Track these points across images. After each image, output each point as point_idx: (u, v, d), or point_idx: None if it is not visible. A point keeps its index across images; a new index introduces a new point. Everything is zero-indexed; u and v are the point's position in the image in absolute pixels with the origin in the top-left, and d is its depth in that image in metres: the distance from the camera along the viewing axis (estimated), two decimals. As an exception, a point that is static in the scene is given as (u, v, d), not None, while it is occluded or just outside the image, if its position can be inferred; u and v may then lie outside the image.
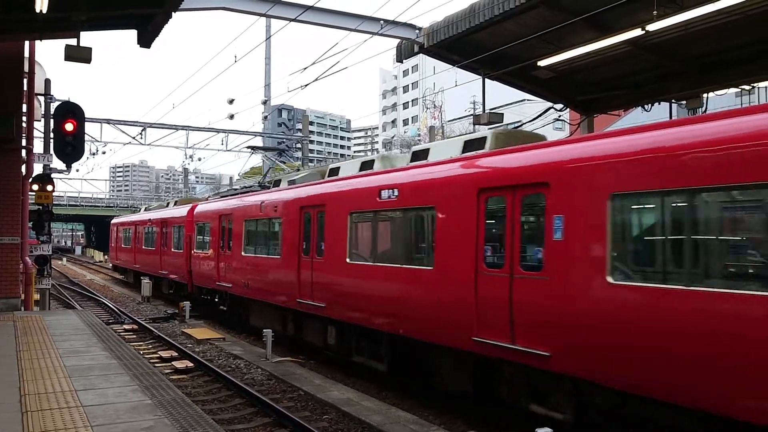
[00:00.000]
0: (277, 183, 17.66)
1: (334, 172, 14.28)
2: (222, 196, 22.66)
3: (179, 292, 24.65)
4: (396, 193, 11.04)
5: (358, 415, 9.70)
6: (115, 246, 37.98)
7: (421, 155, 11.49)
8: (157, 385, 8.16)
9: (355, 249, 12.43)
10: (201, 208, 22.61)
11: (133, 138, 33.35)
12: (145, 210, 34.27)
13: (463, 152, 10.33)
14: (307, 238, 14.04)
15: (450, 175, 10.02)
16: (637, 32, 11.82)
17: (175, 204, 28.42)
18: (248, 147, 20.91)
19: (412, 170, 11.12)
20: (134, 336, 17.74)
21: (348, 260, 12.26)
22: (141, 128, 33.46)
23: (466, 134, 10.68)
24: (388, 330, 11.16)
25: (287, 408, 10.25)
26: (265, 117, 36.29)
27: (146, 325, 19.13)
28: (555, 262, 7.85)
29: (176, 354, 14.70)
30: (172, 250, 25.22)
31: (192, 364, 13.59)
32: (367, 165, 13.09)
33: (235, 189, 23.63)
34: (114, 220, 39.63)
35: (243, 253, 17.57)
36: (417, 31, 15.49)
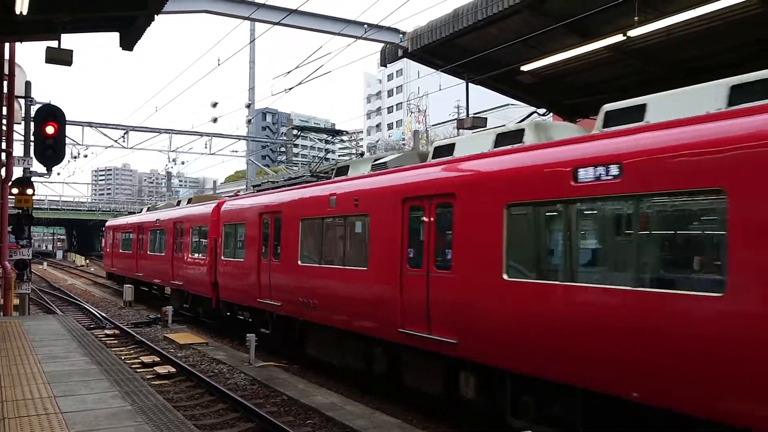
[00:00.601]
0: (342, 170, 13.57)
1: (445, 150, 10.45)
2: (260, 190, 18.20)
3: (197, 308, 20.90)
4: (616, 171, 7.01)
5: (342, 420, 9.68)
6: (110, 252, 33.43)
7: (628, 115, 7.60)
8: (138, 390, 8.06)
9: (519, 260, 8.45)
10: (232, 204, 18.40)
11: (116, 141, 33.11)
12: (149, 210, 30.11)
13: (730, 104, 6.63)
14: (414, 243, 10.23)
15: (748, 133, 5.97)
16: (619, 38, 11.93)
17: (188, 202, 24.44)
18: (292, 127, 17.02)
19: (641, 136, 7.02)
20: (116, 341, 17.56)
21: (505, 277, 8.27)
22: (123, 131, 33.22)
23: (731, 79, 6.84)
24: (598, 388, 7.20)
25: (270, 413, 10.19)
26: (249, 120, 36.09)
27: (128, 330, 18.96)
28: None
29: (158, 359, 14.57)
30: (190, 256, 21.01)
31: (174, 370, 13.47)
32: (509, 137, 9.26)
33: (274, 182, 19.37)
34: (109, 223, 35.83)
35: (300, 263, 13.54)
36: (401, 35, 15.56)
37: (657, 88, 8.16)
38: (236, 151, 38.30)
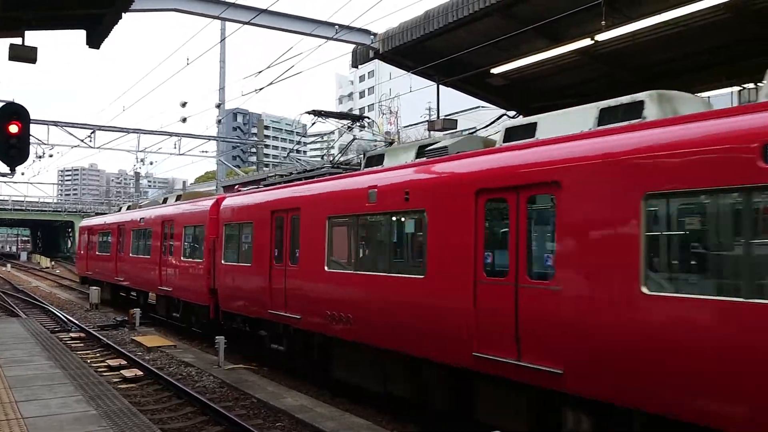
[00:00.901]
0: (375, 160, 11.61)
1: (522, 132, 8.56)
2: (268, 185, 15.86)
3: (189, 317, 18.64)
4: None
5: (312, 422, 9.65)
6: (85, 254, 30.79)
7: None
8: (103, 394, 7.96)
9: (666, 268, 6.67)
10: (234, 201, 16.08)
11: (82, 141, 32.52)
12: (129, 209, 27.30)
13: None
14: (493, 245, 8.43)
15: None
16: (587, 42, 12.11)
17: (177, 199, 21.86)
18: (308, 111, 14.05)
19: None
20: (81, 344, 17.26)
21: (645, 290, 6.35)
22: (90, 131, 32.63)
23: None
24: None
25: (239, 416, 10.11)
26: (219, 121, 35.78)
27: (94, 333, 18.65)
28: None
29: (125, 362, 14.35)
30: (182, 259, 18.73)
31: (141, 373, 13.29)
32: (620, 112, 7.56)
33: (282, 176, 16.96)
34: (84, 223, 33.24)
35: (327, 269, 11.53)
36: (372, 36, 15.58)
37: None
38: (206, 152, 37.97)
